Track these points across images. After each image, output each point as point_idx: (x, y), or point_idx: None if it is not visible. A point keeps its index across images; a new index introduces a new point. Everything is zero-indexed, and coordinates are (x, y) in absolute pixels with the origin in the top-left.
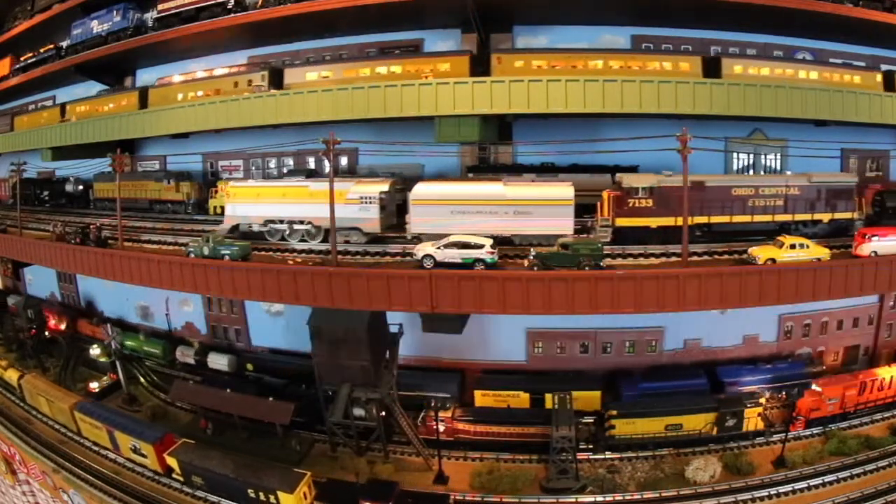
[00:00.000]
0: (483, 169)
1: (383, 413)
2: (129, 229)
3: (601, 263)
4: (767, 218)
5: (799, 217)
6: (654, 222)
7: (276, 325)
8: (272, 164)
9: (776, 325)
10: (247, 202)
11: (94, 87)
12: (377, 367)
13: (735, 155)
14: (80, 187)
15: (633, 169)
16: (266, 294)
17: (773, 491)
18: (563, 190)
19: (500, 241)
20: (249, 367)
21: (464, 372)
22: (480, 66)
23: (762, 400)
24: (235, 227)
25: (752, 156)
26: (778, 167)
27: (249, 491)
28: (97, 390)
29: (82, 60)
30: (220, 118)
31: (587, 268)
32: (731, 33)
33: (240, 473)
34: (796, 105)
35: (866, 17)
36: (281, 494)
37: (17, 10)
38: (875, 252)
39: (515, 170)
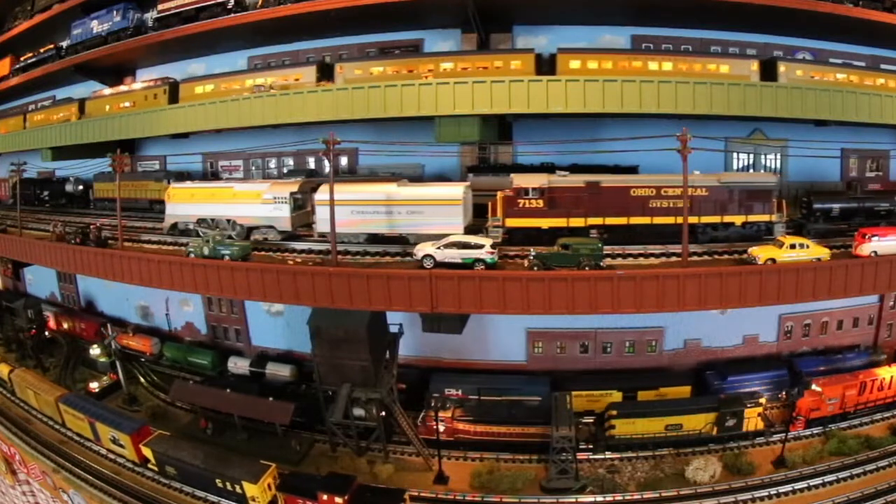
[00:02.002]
0: (483, 169)
1: (383, 413)
2: (129, 229)
3: (601, 263)
4: (669, 220)
5: (706, 219)
6: (545, 223)
7: (276, 325)
8: (272, 164)
9: (776, 325)
10: (183, 202)
11: (93, 88)
12: (377, 367)
13: (735, 155)
14: (80, 187)
15: (633, 169)
16: (266, 294)
17: (773, 491)
18: (452, 190)
19: (396, 240)
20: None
21: (553, 374)
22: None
23: (762, 400)
24: (174, 226)
25: (752, 156)
26: (778, 167)
27: (217, 481)
28: (97, 390)
29: (82, 60)
30: (219, 118)
31: (587, 268)
32: (731, 33)
33: (209, 464)
34: (796, 105)
35: (866, 17)
36: (246, 484)
37: (17, 10)
38: (875, 252)
39: (515, 170)
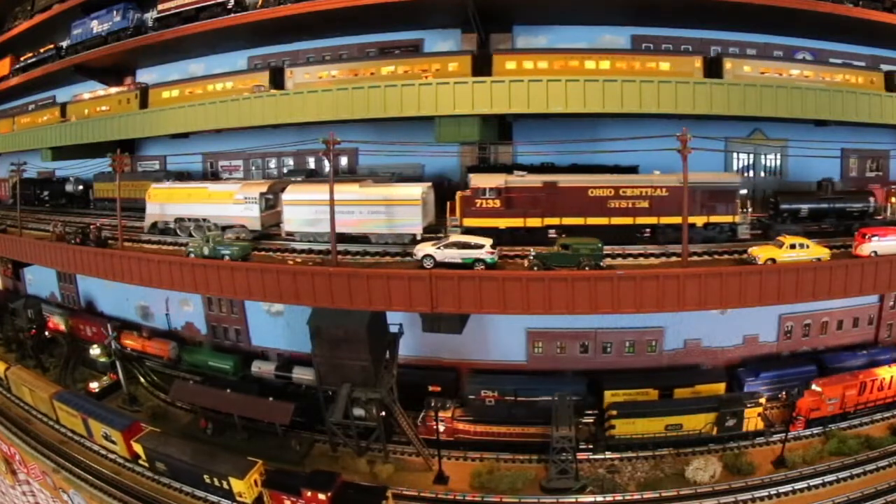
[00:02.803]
0: (483, 169)
1: (383, 413)
2: (129, 229)
3: (601, 263)
4: (628, 220)
5: (666, 220)
6: (502, 223)
7: (276, 325)
8: (272, 163)
9: (776, 325)
10: (162, 202)
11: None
12: (377, 367)
13: (735, 155)
14: (80, 187)
15: (633, 169)
16: (266, 294)
17: (773, 491)
18: (410, 190)
19: (358, 239)
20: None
21: (595, 373)
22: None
23: (762, 400)
24: (154, 225)
25: (752, 156)
26: (778, 167)
27: (205, 476)
28: (97, 390)
29: (82, 60)
30: (219, 118)
31: (587, 268)
32: (731, 33)
33: (197, 460)
34: (796, 105)
35: (866, 17)
36: (232, 480)
37: (17, 10)
38: (875, 252)
39: (515, 170)
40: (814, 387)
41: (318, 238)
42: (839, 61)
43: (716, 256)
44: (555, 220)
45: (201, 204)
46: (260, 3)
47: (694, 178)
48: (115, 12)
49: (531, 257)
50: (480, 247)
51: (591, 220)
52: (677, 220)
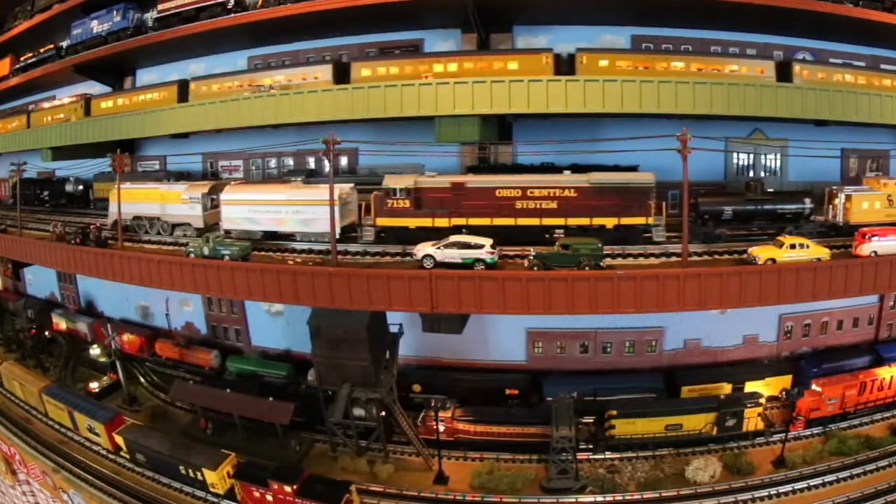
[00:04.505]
0: (483, 169)
1: (383, 413)
2: (129, 229)
3: (601, 263)
4: (535, 222)
5: (574, 221)
6: (412, 223)
7: (276, 325)
8: (272, 163)
9: (776, 325)
10: (123, 201)
11: (94, 88)
12: (377, 367)
13: (735, 155)
14: (80, 187)
15: (633, 168)
16: (266, 294)
17: (773, 491)
18: (328, 192)
19: (285, 237)
20: (417, 388)
21: (668, 369)
22: None
23: (762, 400)
24: (115, 222)
25: (752, 156)
26: (778, 167)
27: (181, 468)
28: (97, 390)
29: (82, 60)
30: (219, 118)
31: (587, 268)
32: (730, 33)
33: (174, 451)
34: (796, 105)
35: (866, 17)
36: (206, 471)
37: (17, 10)
38: (875, 252)
39: (515, 170)
40: (814, 387)
41: (253, 236)
42: (839, 61)
43: (716, 256)
44: (462, 221)
45: (155, 203)
46: (260, 3)
47: (605, 177)
48: (115, 12)
49: (531, 257)
50: (480, 247)
51: (498, 221)
52: (585, 221)
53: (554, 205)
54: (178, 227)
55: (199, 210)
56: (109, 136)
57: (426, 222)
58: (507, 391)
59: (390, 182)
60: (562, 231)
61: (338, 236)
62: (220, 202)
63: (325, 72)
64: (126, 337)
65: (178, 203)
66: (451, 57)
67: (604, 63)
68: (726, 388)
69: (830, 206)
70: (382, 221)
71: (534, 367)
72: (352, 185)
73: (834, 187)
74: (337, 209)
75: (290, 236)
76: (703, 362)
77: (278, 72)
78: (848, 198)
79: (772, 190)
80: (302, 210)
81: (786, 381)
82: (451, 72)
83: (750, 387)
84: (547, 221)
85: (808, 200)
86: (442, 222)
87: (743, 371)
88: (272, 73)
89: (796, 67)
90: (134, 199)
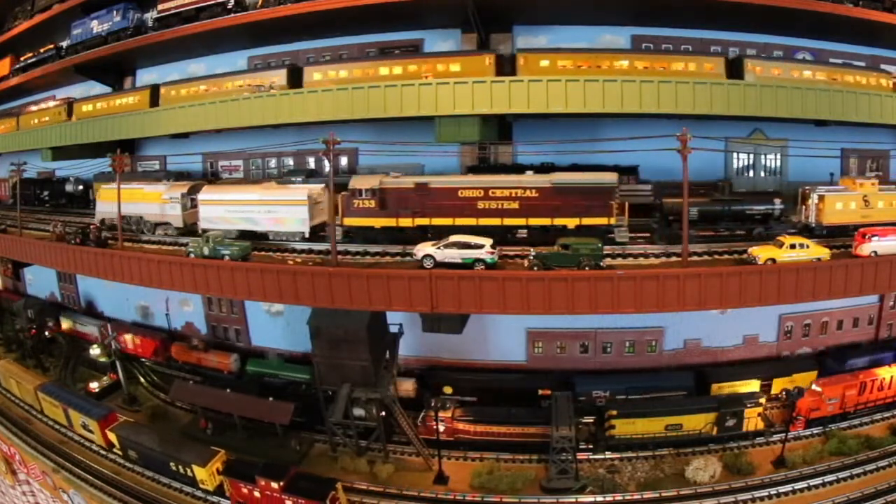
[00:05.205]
0: (483, 169)
1: (383, 413)
2: (129, 229)
3: (601, 263)
4: (496, 222)
5: (535, 222)
6: (377, 223)
7: (276, 325)
8: (272, 163)
9: (776, 325)
10: (108, 201)
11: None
12: (377, 367)
13: (735, 155)
14: (80, 187)
15: (633, 169)
16: (266, 294)
17: (773, 491)
18: (297, 192)
19: (258, 236)
20: (448, 389)
21: (698, 367)
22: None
23: (762, 400)
24: (103, 221)
25: (752, 156)
26: (778, 167)
27: (171, 464)
28: (97, 390)
29: (82, 60)
30: (219, 118)
31: (587, 268)
32: (730, 33)
33: (165, 448)
34: (796, 105)
35: (866, 17)
36: (195, 468)
37: (17, 10)
38: (875, 252)
39: (515, 170)
40: (814, 387)
41: (228, 235)
42: (839, 61)
43: (716, 256)
44: (425, 221)
45: (138, 203)
46: (260, 3)
47: (566, 177)
48: (115, 12)
49: (531, 257)
50: (480, 247)
51: (460, 221)
52: (546, 221)
53: (515, 205)
54: (160, 227)
55: (178, 210)
56: (109, 136)
57: (390, 222)
58: (540, 391)
59: (356, 183)
60: (525, 231)
61: (307, 235)
62: (198, 202)
63: (280, 76)
64: (138, 339)
65: (159, 203)
66: (398, 60)
67: (545, 63)
68: (755, 385)
69: (803, 207)
70: (349, 221)
71: (534, 367)
72: (322, 185)
73: (807, 187)
74: (306, 209)
75: (264, 236)
76: (731, 360)
77: (244, 76)
78: (821, 198)
79: (741, 190)
80: (273, 210)
81: (811, 377)
82: (397, 74)
83: (778, 384)
84: (508, 222)
85: (777, 201)
86: (405, 222)
87: (770, 368)
88: (237, 77)
89: (748, 64)
90: (118, 199)
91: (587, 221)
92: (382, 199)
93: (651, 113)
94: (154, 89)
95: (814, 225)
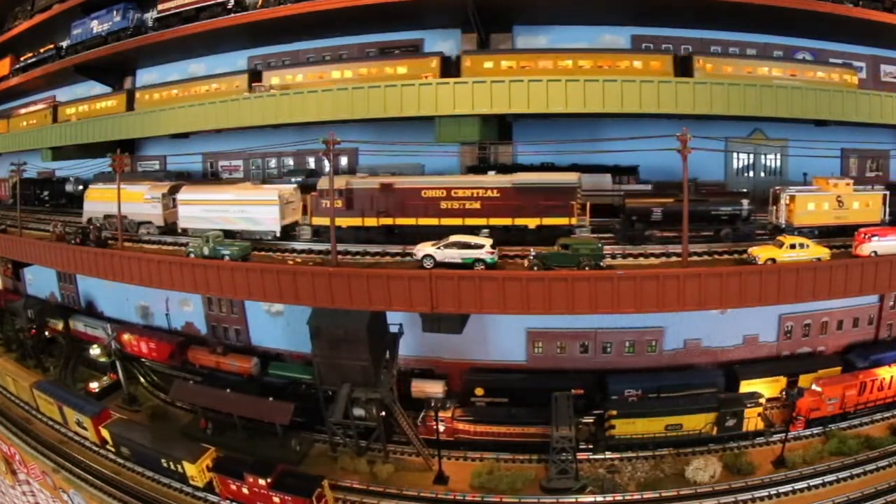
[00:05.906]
0: (483, 169)
1: (383, 413)
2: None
3: (601, 263)
4: (458, 221)
5: (496, 221)
6: (344, 222)
7: (276, 325)
8: (272, 163)
9: (776, 325)
10: (95, 201)
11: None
12: (377, 367)
13: (735, 155)
14: (80, 187)
15: (633, 169)
16: (266, 294)
17: (773, 491)
18: (268, 193)
19: (232, 234)
20: (479, 391)
21: (727, 364)
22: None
23: (762, 400)
24: (90, 220)
25: (752, 156)
26: (778, 167)
27: (163, 460)
28: (97, 390)
29: (82, 60)
30: (219, 118)
31: (587, 268)
32: (731, 33)
33: (156, 445)
34: (796, 105)
35: (866, 17)
36: (186, 464)
37: (17, 10)
38: (875, 252)
39: (514, 170)
40: (814, 387)
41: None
42: (839, 61)
43: (716, 256)
44: (389, 221)
45: (123, 203)
46: (260, 3)
47: (527, 178)
48: (115, 12)
49: (531, 257)
50: (480, 247)
51: (423, 221)
52: (508, 221)
53: (477, 205)
54: (142, 226)
55: (159, 209)
56: (109, 136)
57: (356, 222)
58: (574, 391)
59: (324, 184)
60: (487, 231)
61: (278, 234)
62: (177, 202)
63: (242, 80)
64: (153, 343)
65: (142, 202)
66: (349, 63)
67: (489, 65)
68: (782, 382)
69: (774, 208)
70: (318, 220)
71: (534, 366)
72: (294, 185)
73: (777, 187)
74: (278, 209)
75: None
76: (759, 357)
77: (212, 80)
78: (791, 198)
79: (706, 189)
80: (247, 210)
81: (835, 372)
82: (348, 78)
83: (804, 380)
84: (470, 221)
85: (745, 202)
86: (370, 222)
87: (796, 364)
88: (207, 81)
89: (698, 61)
90: (104, 199)
91: (548, 222)
92: (349, 199)
93: (651, 113)
94: (130, 93)
95: (784, 226)
